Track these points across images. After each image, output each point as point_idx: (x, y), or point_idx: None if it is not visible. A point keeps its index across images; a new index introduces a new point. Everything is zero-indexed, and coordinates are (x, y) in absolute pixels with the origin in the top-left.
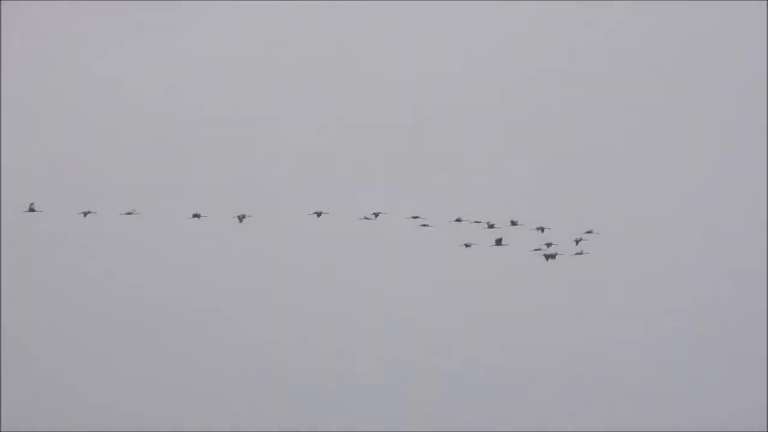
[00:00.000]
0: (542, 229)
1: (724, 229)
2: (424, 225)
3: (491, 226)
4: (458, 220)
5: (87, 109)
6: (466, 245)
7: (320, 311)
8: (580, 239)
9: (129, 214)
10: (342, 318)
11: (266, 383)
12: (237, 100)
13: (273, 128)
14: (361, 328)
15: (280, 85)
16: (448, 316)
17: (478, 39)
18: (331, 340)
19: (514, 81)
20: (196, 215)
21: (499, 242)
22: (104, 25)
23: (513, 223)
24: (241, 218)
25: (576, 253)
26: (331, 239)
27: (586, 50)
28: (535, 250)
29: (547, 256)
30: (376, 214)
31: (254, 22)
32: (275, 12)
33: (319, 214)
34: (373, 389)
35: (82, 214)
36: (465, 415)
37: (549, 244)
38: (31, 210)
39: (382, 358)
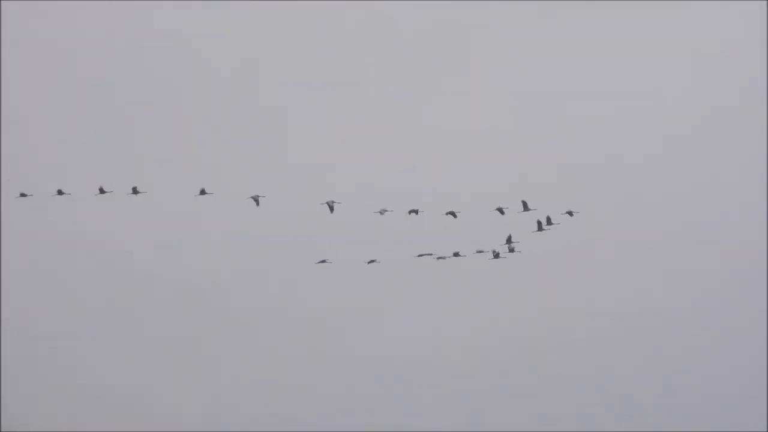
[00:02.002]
0: (525, 204)
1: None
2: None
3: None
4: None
5: (86, 109)
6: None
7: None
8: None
9: (135, 192)
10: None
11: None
12: None
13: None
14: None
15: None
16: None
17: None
18: (330, 335)
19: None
20: (203, 192)
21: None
22: (104, 26)
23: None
24: (256, 200)
25: (539, 229)
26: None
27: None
28: (478, 252)
29: (495, 254)
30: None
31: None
32: None
33: (331, 208)
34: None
35: (99, 191)
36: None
37: (509, 239)
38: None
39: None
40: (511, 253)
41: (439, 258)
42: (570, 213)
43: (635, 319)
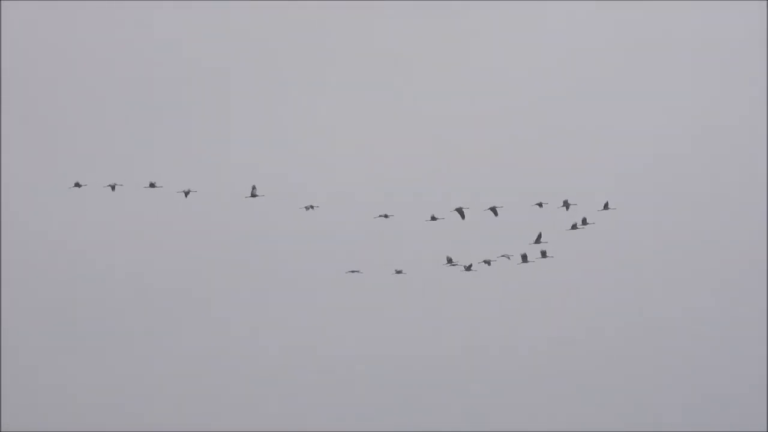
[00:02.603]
0: (567, 205)
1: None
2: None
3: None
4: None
5: (85, 110)
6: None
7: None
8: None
9: (152, 186)
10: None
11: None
12: None
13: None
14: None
15: None
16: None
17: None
18: (325, 340)
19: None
20: (254, 194)
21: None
22: (103, 25)
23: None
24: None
25: (572, 227)
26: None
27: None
28: (501, 256)
29: (524, 258)
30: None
31: None
32: None
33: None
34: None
35: (111, 187)
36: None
37: (542, 246)
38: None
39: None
40: (543, 258)
41: (467, 269)
42: (606, 208)
43: (635, 319)
